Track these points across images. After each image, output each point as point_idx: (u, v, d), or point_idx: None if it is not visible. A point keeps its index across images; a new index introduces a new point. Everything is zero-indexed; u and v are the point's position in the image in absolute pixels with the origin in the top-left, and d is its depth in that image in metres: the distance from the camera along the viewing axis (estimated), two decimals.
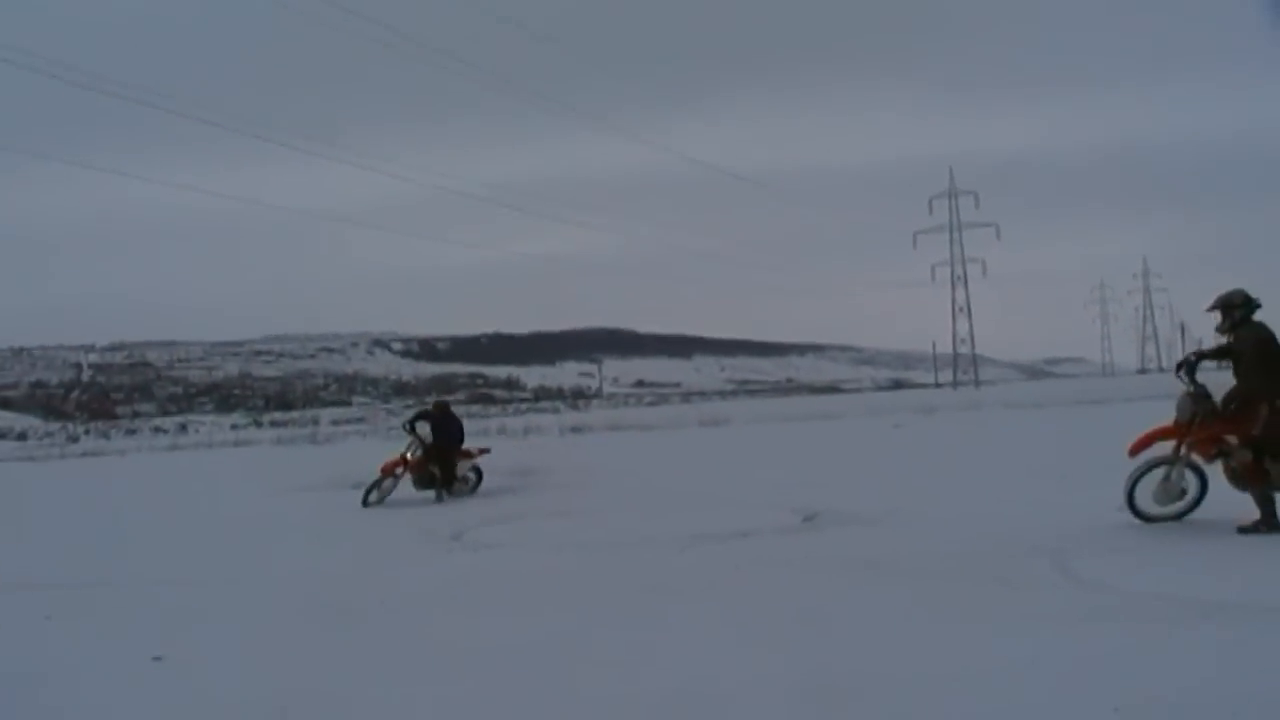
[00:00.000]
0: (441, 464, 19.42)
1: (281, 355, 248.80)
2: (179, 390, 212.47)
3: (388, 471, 19.27)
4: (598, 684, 6.55)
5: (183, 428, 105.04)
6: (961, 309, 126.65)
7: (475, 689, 6.61)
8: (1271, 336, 10.76)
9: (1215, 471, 11.08)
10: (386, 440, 51.99)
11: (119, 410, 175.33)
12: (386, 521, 16.41)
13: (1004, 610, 7.89)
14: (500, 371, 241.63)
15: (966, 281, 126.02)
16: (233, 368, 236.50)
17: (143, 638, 8.43)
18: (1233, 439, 10.76)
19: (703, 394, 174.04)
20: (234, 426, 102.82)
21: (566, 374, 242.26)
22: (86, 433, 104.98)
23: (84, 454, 62.97)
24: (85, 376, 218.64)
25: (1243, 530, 10.49)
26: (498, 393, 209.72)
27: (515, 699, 6.37)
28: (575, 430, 52.33)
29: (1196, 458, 11.07)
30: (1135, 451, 11.31)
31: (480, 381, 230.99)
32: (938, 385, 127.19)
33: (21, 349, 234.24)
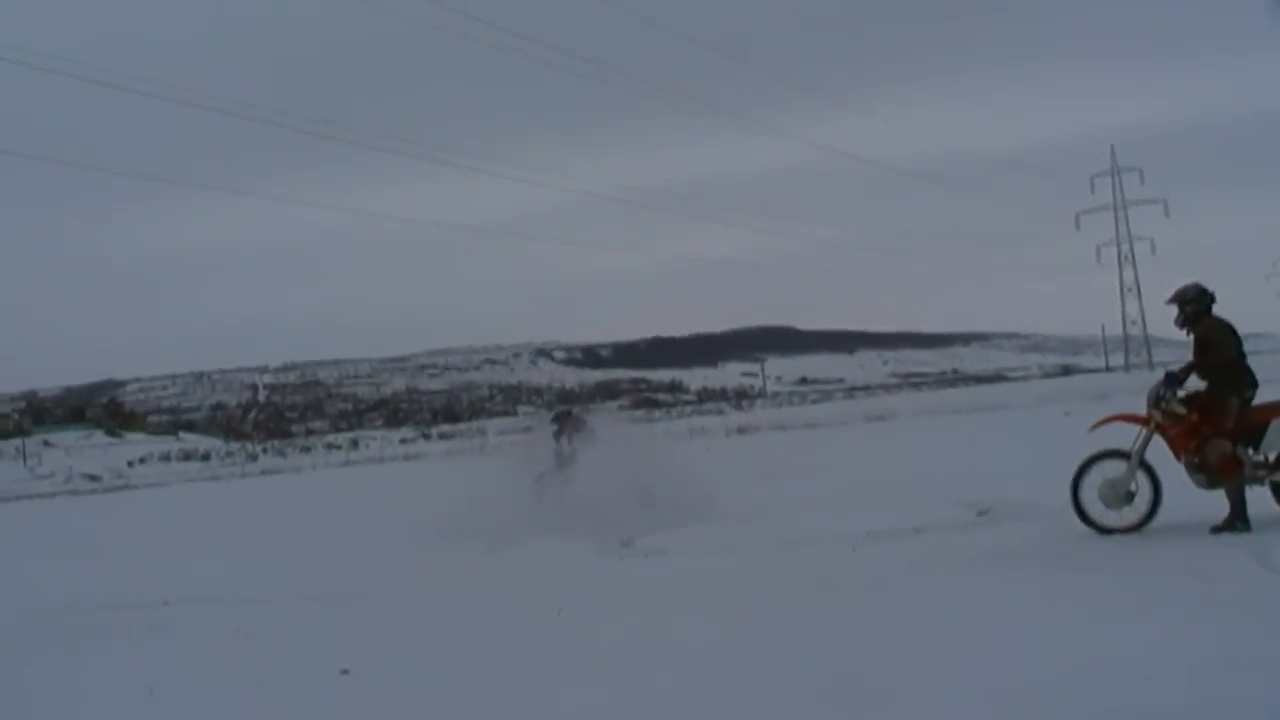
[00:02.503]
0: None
1: (446, 368, 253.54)
2: (349, 406, 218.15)
3: None
4: (768, 682, 6.49)
5: (354, 443, 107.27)
6: (1130, 289, 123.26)
7: (649, 689, 6.59)
8: (1232, 330, 10.54)
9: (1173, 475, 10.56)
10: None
11: (293, 428, 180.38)
12: (554, 529, 16.48)
13: (1197, 602, 7.60)
14: (663, 375, 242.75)
15: (1135, 261, 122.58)
16: (399, 382, 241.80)
17: (330, 650, 8.59)
18: (1208, 429, 10.26)
19: (867, 388, 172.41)
20: (403, 440, 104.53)
21: (729, 375, 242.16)
22: (264, 451, 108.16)
23: (263, 472, 64.90)
24: (261, 397, 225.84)
25: (1215, 530, 10.06)
26: (661, 396, 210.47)
27: (683, 698, 6.33)
28: (741, 431, 52.16)
29: (1177, 454, 10.48)
30: (1096, 427, 10.90)
31: (643, 386, 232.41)
32: (1109, 369, 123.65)
33: (202, 373, 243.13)
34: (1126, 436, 10.70)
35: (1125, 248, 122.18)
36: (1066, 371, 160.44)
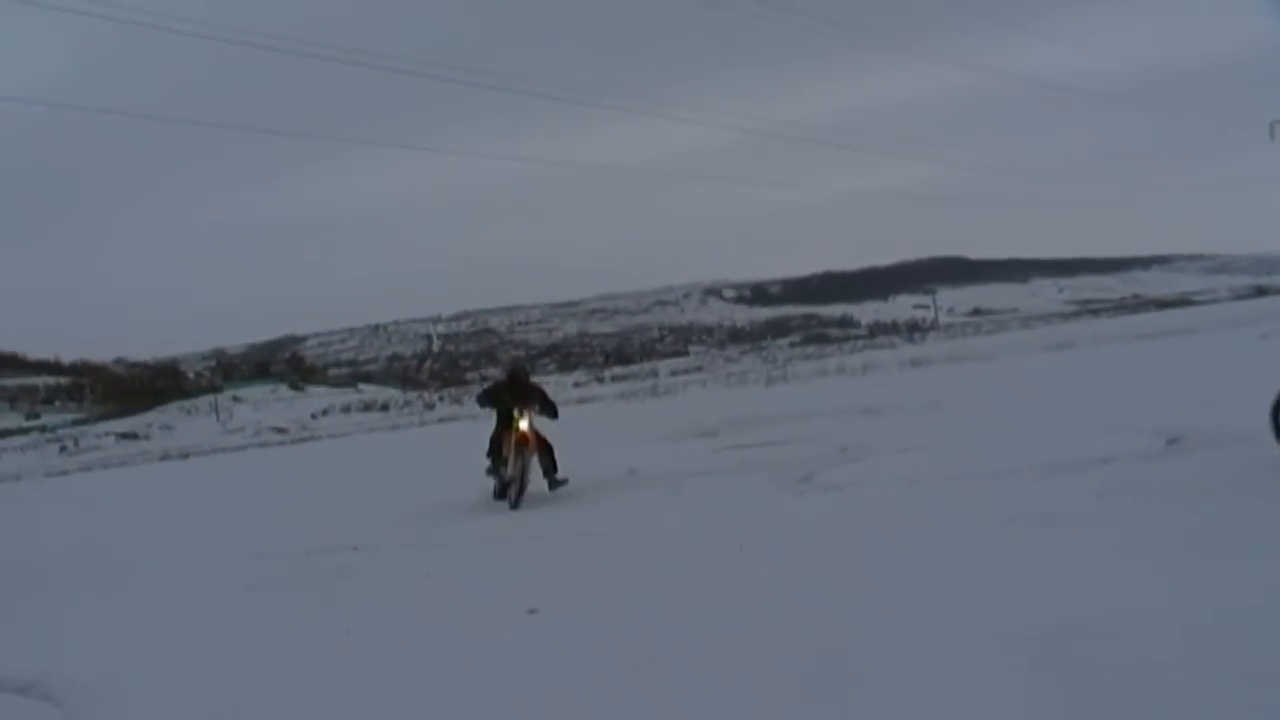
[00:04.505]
0: (517, 449, 15.25)
1: (617, 311, 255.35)
2: (521, 352, 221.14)
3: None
4: (963, 619, 6.37)
5: None
6: None
7: (838, 633, 6.54)
8: None
9: None
10: (727, 387, 52.56)
11: (468, 375, 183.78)
12: (730, 465, 16.49)
13: None
14: (834, 310, 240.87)
15: None
16: (571, 327, 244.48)
17: (517, 591, 8.73)
18: None
19: (1042, 317, 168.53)
20: (576, 384, 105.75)
21: (900, 307, 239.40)
22: (441, 399, 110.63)
23: (440, 420, 66.30)
24: (435, 346, 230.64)
25: None
26: (832, 331, 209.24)
27: (875, 639, 6.27)
28: (914, 364, 51.46)
29: None
30: None
31: (814, 321, 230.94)
32: None
33: (378, 326, 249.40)
34: None
35: None
36: (1260, 292, 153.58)
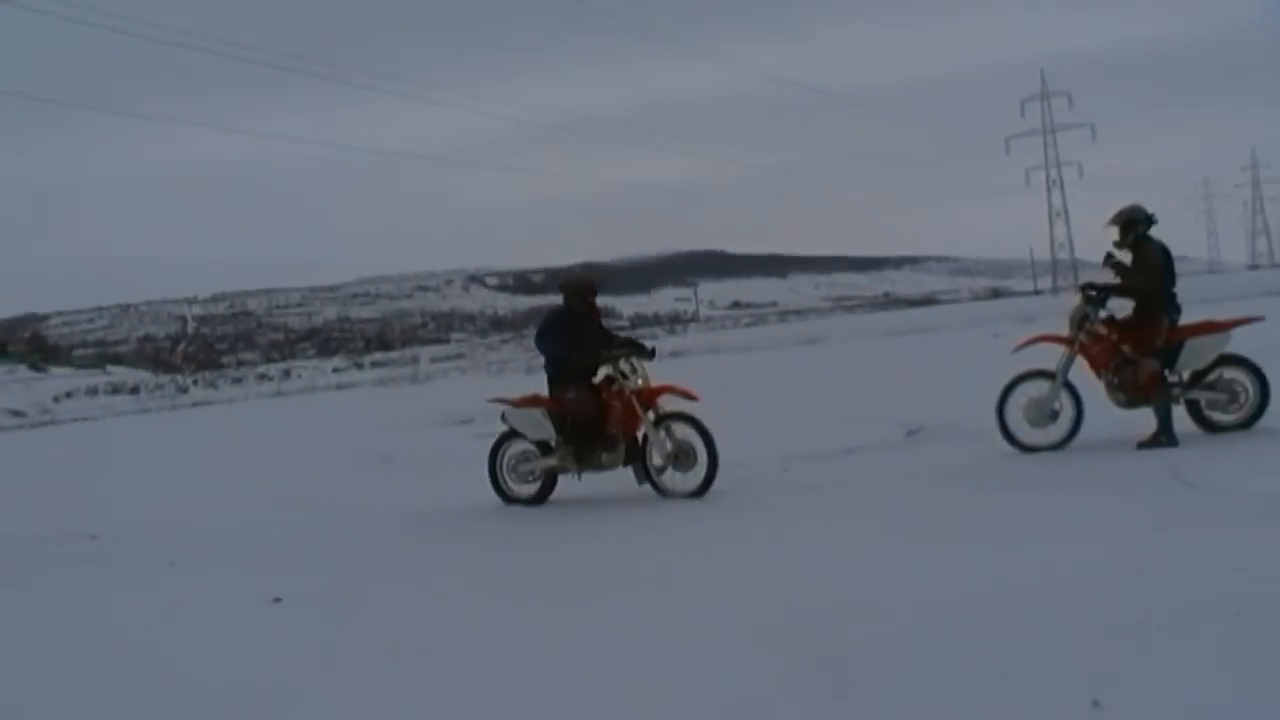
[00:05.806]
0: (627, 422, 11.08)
1: (378, 296, 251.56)
2: (280, 337, 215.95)
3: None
4: (709, 608, 6.53)
5: (286, 373, 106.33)
6: (1058, 213, 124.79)
7: (571, 617, 6.62)
8: (1169, 254, 10.76)
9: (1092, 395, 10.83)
10: (488, 375, 52.41)
11: (224, 359, 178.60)
12: (486, 452, 16.42)
13: (1124, 516, 7.75)
14: (596, 300, 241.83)
15: (1062, 185, 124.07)
16: (330, 311, 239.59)
17: (263, 580, 8.55)
18: (1128, 349, 10.55)
19: (799, 312, 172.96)
20: (335, 370, 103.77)
21: (662, 300, 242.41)
22: (195, 383, 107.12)
23: (194, 404, 64.23)
24: (190, 329, 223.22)
25: (1142, 445, 10.30)
26: None
27: (608, 624, 6.39)
28: (673, 355, 52.21)
29: (1097, 371, 10.78)
30: (1020, 348, 11.09)
31: None
32: (1037, 292, 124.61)
33: (128, 305, 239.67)
34: (1052, 357, 10.87)
35: (1054, 172, 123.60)
36: (996, 294, 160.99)
